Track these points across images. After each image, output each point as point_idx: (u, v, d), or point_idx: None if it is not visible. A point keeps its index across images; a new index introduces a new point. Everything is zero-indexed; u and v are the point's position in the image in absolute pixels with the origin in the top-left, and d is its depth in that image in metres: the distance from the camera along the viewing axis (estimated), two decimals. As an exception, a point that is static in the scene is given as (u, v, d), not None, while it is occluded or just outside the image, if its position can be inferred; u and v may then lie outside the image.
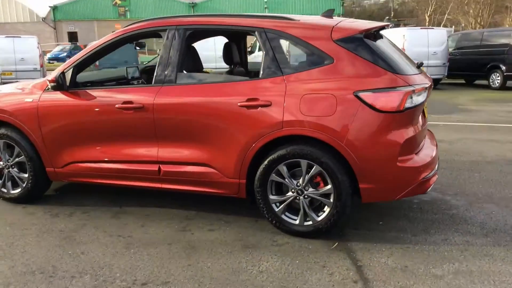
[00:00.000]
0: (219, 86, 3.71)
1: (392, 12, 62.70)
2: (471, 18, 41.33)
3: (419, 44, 14.98)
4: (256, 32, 3.65)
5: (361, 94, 3.26)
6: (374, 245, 3.45)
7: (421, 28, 16.97)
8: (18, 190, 4.44)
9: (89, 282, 2.97)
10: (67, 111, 4.07)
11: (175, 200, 4.39)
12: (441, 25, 42.96)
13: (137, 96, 3.84)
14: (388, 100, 3.24)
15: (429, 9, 46.94)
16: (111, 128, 3.96)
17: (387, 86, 3.27)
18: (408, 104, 3.28)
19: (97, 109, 3.96)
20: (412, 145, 3.41)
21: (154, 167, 3.88)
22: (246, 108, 3.50)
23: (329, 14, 4.03)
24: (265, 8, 38.26)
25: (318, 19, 3.79)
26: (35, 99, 4.17)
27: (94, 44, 4.13)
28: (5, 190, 4.48)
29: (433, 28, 17.05)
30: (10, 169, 4.41)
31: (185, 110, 3.70)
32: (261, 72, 3.58)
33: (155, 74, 3.87)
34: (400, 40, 14.56)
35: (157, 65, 3.88)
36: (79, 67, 4.14)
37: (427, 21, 45.97)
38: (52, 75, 4.01)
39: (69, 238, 3.65)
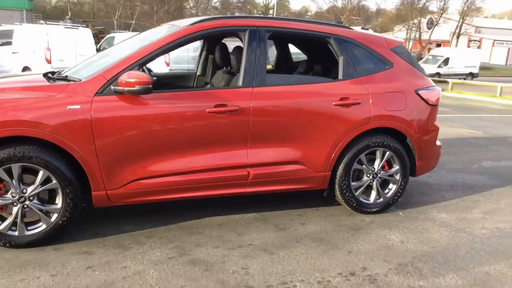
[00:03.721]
0: (309, 87, 3.94)
1: (70, 12, 60.98)
2: (157, 25, 44.87)
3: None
4: (332, 39, 4.05)
5: (420, 92, 4.22)
6: (429, 209, 4.47)
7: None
8: (39, 229, 3.31)
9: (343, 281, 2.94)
10: (138, 119, 3.38)
11: (206, 206, 4.23)
12: (131, 29, 44.82)
13: (230, 98, 3.61)
14: (434, 96, 4.32)
15: (117, 13, 48.37)
16: (196, 134, 3.55)
17: (429, 86, 4.34)
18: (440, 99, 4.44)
19: (181, 115, 3.48)
20: None
21: (243, 172, 3.74)
22: (340, 107, 3.91)
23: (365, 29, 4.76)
24: None
25: (367, 31, 4.48)
26: (85, 106, 3.25)
27: (160, 40, 3.53)
28: (14, 233, 3.25)
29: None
30: (28, 202, 3.24)
31: (283, 112, 3.77)
32: (341, 74, 4.03)
33: (242, 74, 3.71)
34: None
35: (242, 66, 3.73)
36: (142, 66, 3.48)
37: (115, 24, 47.25)
38: (131, 75, 3.23)
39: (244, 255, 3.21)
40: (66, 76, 3.58)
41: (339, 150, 3.97)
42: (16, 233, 3.25)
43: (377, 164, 4.16)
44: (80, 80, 3.39)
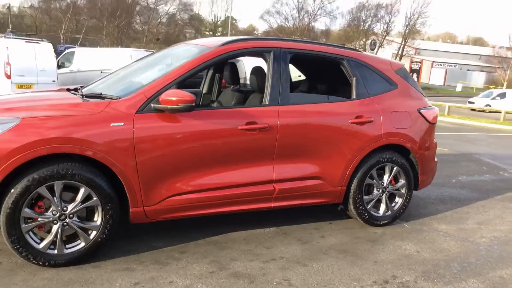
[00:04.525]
0: (327, 106, 4.18)
1: (10, 24, 58.59)
2: (107, 40, 44.07)
3: None
4: (345, 60, 4.32)
5: (422, 111, 4.58)
6: (429, 221, 4.80)
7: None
8: (78, 247, 3.29)
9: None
10: (178, 136, 3.46)
11: (224, 222, 4.33)
12: (78, 43, 43.68)
13: (259, 116, 3.77)
14: (433, 115, 4.70)
15: (63, 26, 47.13)
16: (229, 151, 3.69)
17: (429, 105, 4.71)
18: (436, 118, 4.83)
19: (217, 132, 3.60)
20: None
21: (269, 187, 3.90)
22: (356, 124, 4.18)
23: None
24: None
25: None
26: (128, 123, 3.30)
27: (194, 60, 3.65)
28: (53, 252, 3.21)
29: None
30: (68, 219, 3.22)
31: (307, 129, 3.99)
32: (354, 93, 4.30)
33: (269, 93, 3.89)
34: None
35: (267, 85, 3.90)
36: (179, 84, 3.58)
37: (61, 38, 45.99)
38: (173, 93, 3.33)
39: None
40: (101, 93, 3.61)
41: (354, 165, 4.21)
42: (55, 251, 3.22)
43: (386, 179, 4.45)
44: (120, 98, 3.44)
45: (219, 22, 70.77)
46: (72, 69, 16.46)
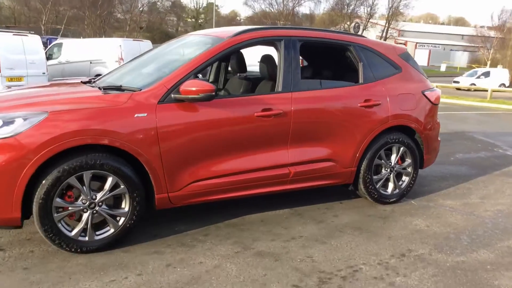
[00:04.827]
0: (337, 91, 4.31)
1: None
2: (89, 30, 43.48)
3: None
4: (352, 46, 4.46)
5: (426, 93, 4.75)
6: (434, 197, 5.00)
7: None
8: (108, 233, 3.41)
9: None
10: (198, 124, 3.58)
11: (237, 205, 4.47)
12: (60, 34, 42.99)
13: (274, 103, 3.90)
14: (436, 96, 4.87)
15: (44, 18, 46.29)
16: (247, 137, 3.81)
17: (432, 87, 4.88)
18: (438, 99, 5.01)
19: (235, 119, 3.72)
20: None
21: (285, 170, 4.04)
22: (365, 108, 4.33)
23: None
24: None
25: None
26: (151, 113, 3.41)
27: (209, 51, 3.73)
28: (85, 239, 3.33)
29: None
30: (97, 207, 3.33)
31: (319, 113, 4.13)
32: (361, 78, 4.45)
33: (281, 80, 4.00)
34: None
35: (280, 73, 4.02)
36: (197, 75, 3.68)
37: (42, 29, 45.22)
38: (193, 83, 3.43)
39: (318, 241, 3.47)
40: (120, 86, 3.69)
41: (363, 147, 4.38)
42: (86, 238, 3.33)
43: (393, 159, 4.62)
44: (140, 89, 3.53)
45: (201, 9, 70.10)
46: (61, 61, 16.30)
